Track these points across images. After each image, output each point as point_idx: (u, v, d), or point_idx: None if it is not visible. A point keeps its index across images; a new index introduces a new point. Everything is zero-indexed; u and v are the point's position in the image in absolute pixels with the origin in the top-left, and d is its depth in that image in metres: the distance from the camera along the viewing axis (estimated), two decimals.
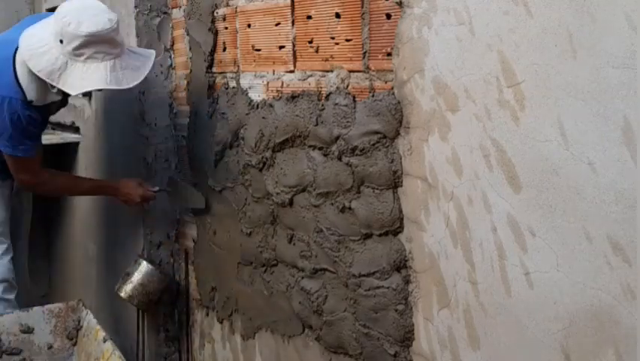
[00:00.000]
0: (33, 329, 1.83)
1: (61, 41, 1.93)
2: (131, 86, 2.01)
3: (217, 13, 2.11)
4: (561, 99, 1.12)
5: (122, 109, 2.60)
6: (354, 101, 1.58)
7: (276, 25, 1.83)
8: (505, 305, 1.26)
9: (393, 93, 1.47)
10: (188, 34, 2.30)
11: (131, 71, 2.01)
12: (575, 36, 1.09)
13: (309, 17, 1.71)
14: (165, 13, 2.48)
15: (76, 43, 1.91)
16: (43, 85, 2.05)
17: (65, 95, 2.17)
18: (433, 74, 1.36)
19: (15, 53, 2.06)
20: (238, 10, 2.00)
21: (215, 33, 2.12)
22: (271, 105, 1.86)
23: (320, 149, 1.69)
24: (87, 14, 1.92)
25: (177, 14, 2.40)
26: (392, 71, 1.47)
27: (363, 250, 1.59)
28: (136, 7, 2.64)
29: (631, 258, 1.04)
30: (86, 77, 1.94)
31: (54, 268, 3.44)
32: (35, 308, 1.88)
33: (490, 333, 1.29)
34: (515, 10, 1.18)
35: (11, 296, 2.27)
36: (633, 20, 1.01)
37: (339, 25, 1.61)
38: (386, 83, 1.49)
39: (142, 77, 2.03)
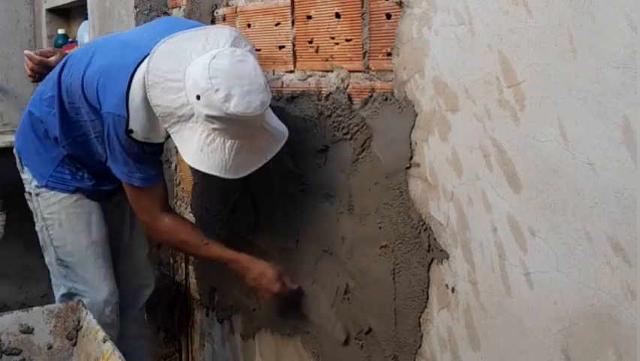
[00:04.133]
0: (33, 329, 1.82)
1: (198, 97, 1.52)
2: (244, 175, 1.63)
3: (217, 13, 2.11)
4: (561, 99, 1.12)
5: None
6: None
7: (276, 25, 1.83)
8: (505, 305, 1.26)
9: (393, 93, 1.47)
10: None
11: (253, 154, 1.61)
12: (575, 36, 1.09)
13: (309, 17, 1.71)
14: (165, 13, 2.48)
15: (214, 113, 1.51)
16: (153, 119, 1.64)
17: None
18: (433, 74, 1.36)
19: (139, 63, 1.65)
20: (238, 10, 2.01)
21: None
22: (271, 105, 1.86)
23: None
24: (242, 87, 1.50)
25: (177, 14, 2.40)
26: (392, 71, 1.47)
27: None
28: (136, 7, 2.64)
29: (631, 258, 1.04)
30: (205, 153, 1.56)
31: None
32: (35, 308, 1.88)
33: (491, 333, 1.29)
34: (515, 10, 1.18)
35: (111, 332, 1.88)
36: (633, 20, 1.01)
37: (339, 25, 1.61)
38: (386, 83, 1.49)
39: (260, 165, 1.64)
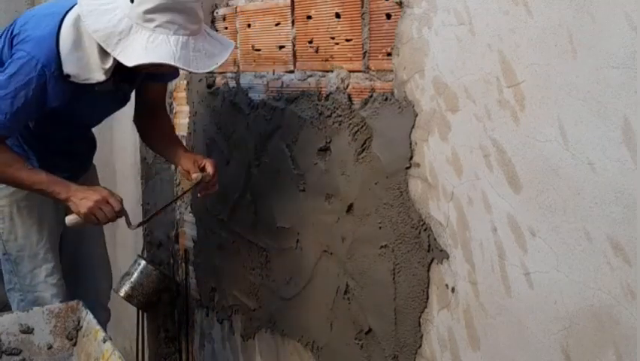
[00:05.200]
0: (33, 329, 1.82)
1: (131, 0, 1.59)
2: (200, 71, 1.67)
3: (217, 13, 2.11)
4: (561, 99, 1.12)
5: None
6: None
7: (276, 25, 1.83)
8: (505, 305, 1.26)
9: (393, 93, 1.47)
10: None
11: (204, 57, 1.64)
12: (575, 36, 1.09)
13: (309, 17, 1.71)
14: None
15: (150, 5, 1.57)
16: (87, 57, 1.68)
17: (117, 81, 1.80)
18: (433, 74, 1.36)
19: (69, 10, 1.70)
20: (238, 10, 2.01)
21: None
22: (271, 106, 1.87)
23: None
24: None
25: None
26: (392, 71, 1.47)
27: None
28: None
29: (631, 258, 1.04)
30: (150, 49, 1.57)
31: None
32: (35, 308, 1.87)
33: (490, 333, 1.29)
34: (515, 10, 1.18)
35: None
36: (633, 20, 1.01)
37: (339, 25, 1.61)
38: (386, 83, 1.49)
39: (215, 66, 1.67)
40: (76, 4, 1.69)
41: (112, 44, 1.60)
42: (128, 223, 1.81)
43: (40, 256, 1.99)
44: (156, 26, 1.58)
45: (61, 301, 1.99)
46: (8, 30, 1.81)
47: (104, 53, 1.66)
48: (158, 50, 1.57)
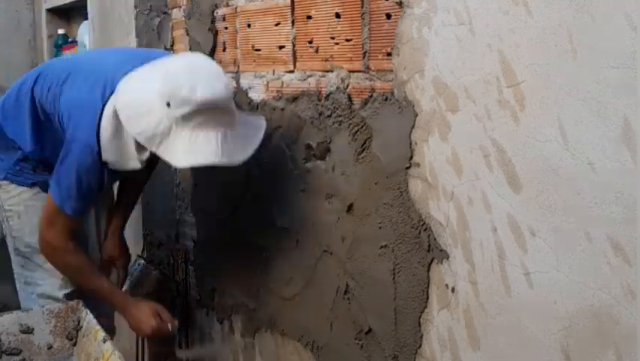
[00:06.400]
0: (33, 329, 1.82)
1: (168, 104, 1.61)
2: (241, 161, 1.67)
3: (217, 13, 2.11)
4: (561, 99, 1.12)
5: None
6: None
7: (276, 25, 1.83)
8: (505, 305, 1.26)
9: (393, 93, 1.47)
10: (188, 35, 2.30)
11: (242, 142, 1.67)
12: (575, 36, 1.09)
13: (309, 17, 1.71)
14: (165, 13, 2.48)
15: (187, 109, 1.59)
16: (124, 147, 1.75)
17: (151, 163, 1.89)
18: (433, 74, 1.36)
19: (109, 97, 1.76)
20: (238, 10, 2.01)
21: (215, 33, 2.12)
22: (271, 106, 1.87)
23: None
24: (201, 77, 1.61)
25: (177, 14, 2.40)
26: (392, 71, 1.47)
27: None
28: (136, 7, 2.65)
29: (631, 258, 1.04)
30: (194, 150, 1.61)
31: None
32: (35, 308, 1.88)
33: (490, 333, 1.29)
34: (515, 10, 1.18)
35: None
36: (633, 20, 1.01)
37: (339, 25, 1.61)
38: (386, 83, 1.49)
39: (251, 152, 1.68)
40: (111, 90, 1.75)
41: (155, 144, 1.65)
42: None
43: None
44: (195, 125, 1.61)
45: (70, 297, 2.03)
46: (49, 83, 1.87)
47: (140, 145, 1.71)
48: (202, 150, 1.61)
